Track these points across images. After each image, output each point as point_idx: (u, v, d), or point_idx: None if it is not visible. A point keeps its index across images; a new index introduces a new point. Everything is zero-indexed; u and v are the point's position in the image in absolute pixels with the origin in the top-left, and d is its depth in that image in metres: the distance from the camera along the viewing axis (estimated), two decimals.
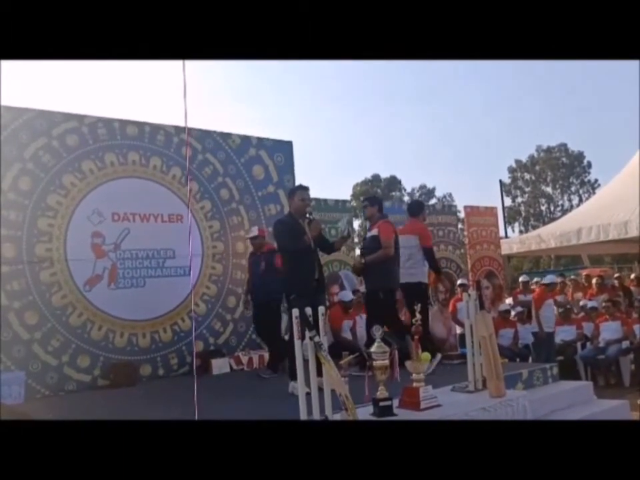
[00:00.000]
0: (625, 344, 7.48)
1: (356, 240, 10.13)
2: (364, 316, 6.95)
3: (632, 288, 9.87)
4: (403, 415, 3.18)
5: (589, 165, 42.03)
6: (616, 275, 10.79)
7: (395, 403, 3.28)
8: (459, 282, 8.15)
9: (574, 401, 4.63)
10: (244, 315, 6.70)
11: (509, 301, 9.04)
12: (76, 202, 5.69)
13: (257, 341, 6.75)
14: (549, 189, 43.56)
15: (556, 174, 42.45)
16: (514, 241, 12.51)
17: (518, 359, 7.11)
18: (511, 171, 43.70)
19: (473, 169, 60.52)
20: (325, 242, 4.66)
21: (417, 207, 5.84)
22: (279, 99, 60.21)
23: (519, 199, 43.94)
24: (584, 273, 11.51)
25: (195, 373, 4.48)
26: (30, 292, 5.31)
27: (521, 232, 38.69)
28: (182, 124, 6.47)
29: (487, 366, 3.66)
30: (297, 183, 6.90)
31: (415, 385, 3.34)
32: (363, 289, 8.25)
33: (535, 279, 11.35)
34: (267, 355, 6.35)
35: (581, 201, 38.38)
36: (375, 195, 5.49)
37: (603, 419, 4.28)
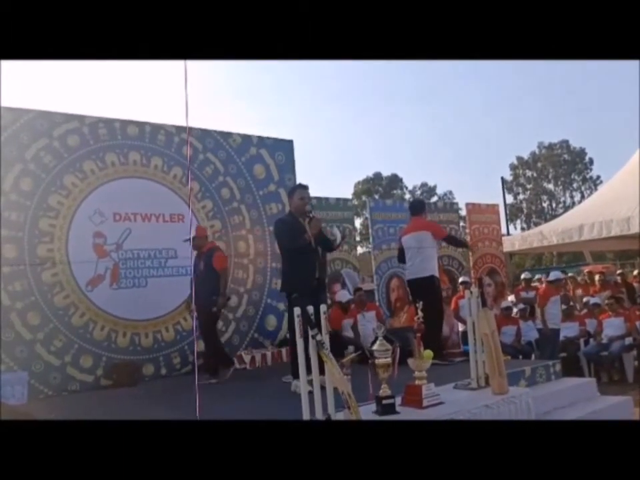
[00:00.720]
0: (628, 340, 7.47)
1: (357, 238, 10.12)
2: (366, 314, 6.97)
3: (635, 284, 9.85)
4: (405, 412, 3.18)
5: (591, 161, 42.03)
6: (618, 272, 10.77)
7: (398, 400, 3.28)
8: (460, 279, 8.15)
9: (577, 397, 4.62)
10: (246, 314, 6.71)
11: (511, 298, 9.04)
12: (77, 202, 5.70)
13: (259, 340, 6.77)
14: (550, 186, 43.54)
15: (558, 171, 42.41)
16: (516, 238, 12.48)
17: (520, 356, 7.11)
18: (513, 168, 43.68)
19: (474, 167, 60.57)
20: (325, 240, 4.66)
21: (419, 206, 5.92)
22: (279, 98, 60.27)
23: (521, 196, 43.94)
24: (586, 269, 11.50)
25: (196, 373, 4.47)
26: (32, 292, 5.32)
27: (522, 229, 38.72)
28: (182, 123, 6.51)
29: (490, 363, 3.65)
30: (298, 182, 6.91)
31: (417, 382, 3.34)
32: (364, 286, 8.27)
33: (537, 276, 11.33)
34: (269, 354, 6.36)
35: (582, 197, 38.34)
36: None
37: (606, 415, 4.27)
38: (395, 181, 44.15)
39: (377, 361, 3.13)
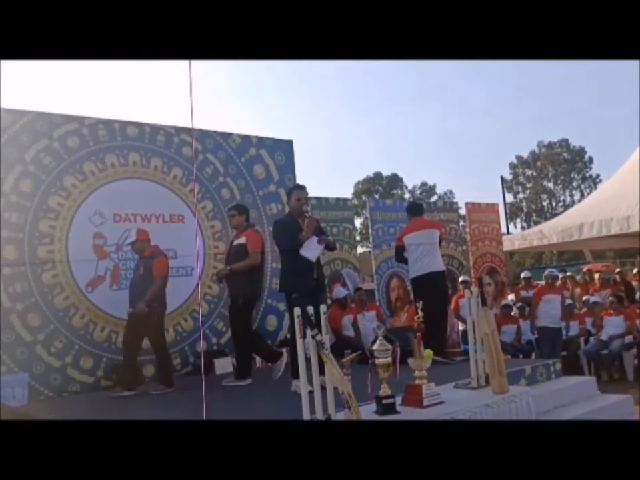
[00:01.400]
0: (628, 339, 7.48)
1: (357, 238, 10.12)
2: (366, 313, 6.99)
3: (634, 283, 9.85)
4: (405, 412, 3.18)
5: (591, 160, 42.03)
6: (617, 270, 10.76)
7: (398, 400, 3.28)
8: (460, 279, 8.16)
9: (577, 396, 4.62)
10: None
11: (511, 297, 9.04)
12: (77, 203, 5.70)
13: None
14: (550, 185, 43.55)
15: (557, 169, 42.42)
16: (516, 237, 12.50)
17: (521, 355, 7.12)
18: (513, 167, 43.69)
19: (474, 166, 60.52)
20: (327, 245, 4.65)
21: (420, 207, 6.08)
22: (278, 98, 60.26)
23: (521, 195, 43.94)
24: (586, 268, 11.49)
25: (203, 373, 4.48)
26: (32, 294, 5.32)
27: (523, 228, 38.70)
28: (181, 124, 6.52)
29: (490, 362, 3.66)
30: (298, 182, 6.92)
31: (417, 382, 3.35)
32: (365, 286, 8.28)
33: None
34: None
35: (582, 196, 38.33)
36: (240, 204, 5.28)
37: (606, 414, 4.28)
38: (395, 181, 44.15)
39: (377, 361, 3.13)
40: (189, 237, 6.12)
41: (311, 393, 2.94)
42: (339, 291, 7.10)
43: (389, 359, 3.14)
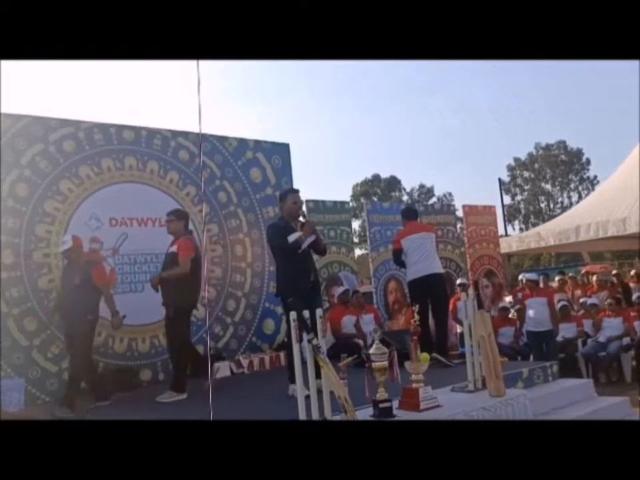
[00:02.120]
0: (626, 340, 7.46)
1: (355, 241, 10.11)
2: (364, 316, 6.96)
3: (632, 284, 9.84)
4: (402, 416, 3.17)
5: (588, 161, 42.11)
6: (614, 272, 10.75)
7: (395, 404, 3.27)
8: (458, 281, 8.14)
9: (575, 398, 4.62)
10: (244, 318, 6.70)
11: (509, 299, 9.02)
12: (73, 208, 5.69)
13: (257, 344, 6.75)
14: (548, 187, 43.61)
15: (555, 171, 42.48)
16: (513, 239, 12.49)
17: (519, 357, 7.09)
18: (510, 169, 43.75)
19: (471, 168, 60.64)
20: (318, 244, 4.64)
21: (414, 212, 6.12)
22: (275, 101, 60.29)
23: (519, 197, 44.00)
24: (583, 269, 11.49)
25: (210, 374, 4.45)
26: (29, 299, 5.31)
27: (521, 230, 38.75)
28: (179, 128, 6.52)
29: (486, 365, 3.65)
30: (294, 185, 6.93)
31: (414, 385, 3.33)
32: (363, 289, 8.27)
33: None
34: (267, 358, 6.34)
35: (580, 197, 38.40)
36: (179, 209, 4.99)
37: (603, 416, 4.27)
38: (393, 183, 44.18)
39: (373, 365, 3.12)
40: None
41: (307, 397, 2.94)
42: (337, 290, 7.11)
43: (386, 363, 3.13)
